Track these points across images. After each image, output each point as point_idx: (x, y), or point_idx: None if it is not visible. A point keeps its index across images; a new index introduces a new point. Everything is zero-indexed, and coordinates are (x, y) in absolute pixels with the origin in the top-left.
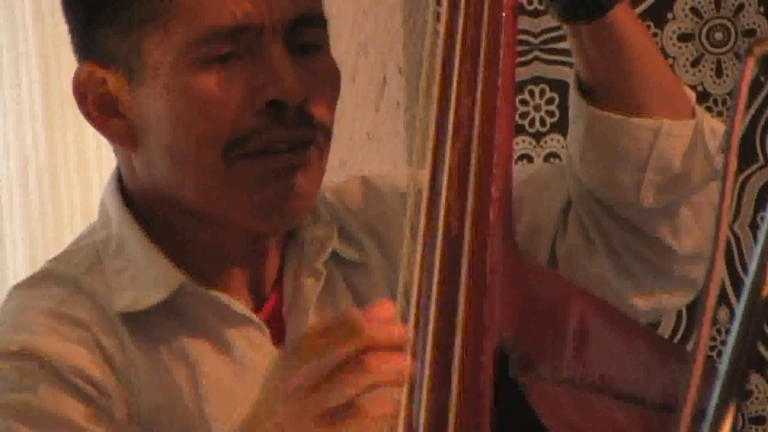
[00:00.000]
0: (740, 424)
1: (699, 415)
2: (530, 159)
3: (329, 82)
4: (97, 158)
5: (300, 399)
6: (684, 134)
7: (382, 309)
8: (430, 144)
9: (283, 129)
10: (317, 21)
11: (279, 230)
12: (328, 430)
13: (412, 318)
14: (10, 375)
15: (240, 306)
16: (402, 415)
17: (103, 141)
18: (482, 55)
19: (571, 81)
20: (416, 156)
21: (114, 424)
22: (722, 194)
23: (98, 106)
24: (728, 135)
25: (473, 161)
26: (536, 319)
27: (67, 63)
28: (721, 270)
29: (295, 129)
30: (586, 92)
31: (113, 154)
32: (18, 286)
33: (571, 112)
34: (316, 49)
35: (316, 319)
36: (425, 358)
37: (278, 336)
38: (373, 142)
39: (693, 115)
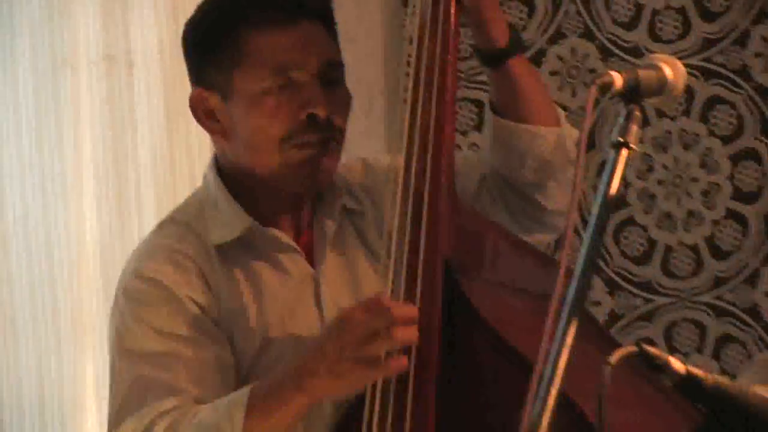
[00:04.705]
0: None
1: (563, 300)
2: (459, 148)
3: (345, 104)
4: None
5: (345, 351)
6: (553, 136)
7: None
8: (404, 139)
9: (316, 132)
10: (338, 64)
11: (311, 192)
12: (360, 371)
13: (393, 245)
14: (143, 294)
15: (287, 238)
16: None
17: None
18: (436, 82)
19: (487, 101)
20: (396, 146)
21: (205, 328)
22: (576, 173)
23: (204, 115)
24: (581, 132)
25: (430, 147)
26: (467, 241)
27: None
28: (575, 218)
29: (323, 132)
30: (495, 109)
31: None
32: (154, 228)
33: (486, 120)
34: (337, 82)
35: (332, 253)
36: (401, 270)
37: (310, 258)
38: (364, 139)
39: (559, 124)
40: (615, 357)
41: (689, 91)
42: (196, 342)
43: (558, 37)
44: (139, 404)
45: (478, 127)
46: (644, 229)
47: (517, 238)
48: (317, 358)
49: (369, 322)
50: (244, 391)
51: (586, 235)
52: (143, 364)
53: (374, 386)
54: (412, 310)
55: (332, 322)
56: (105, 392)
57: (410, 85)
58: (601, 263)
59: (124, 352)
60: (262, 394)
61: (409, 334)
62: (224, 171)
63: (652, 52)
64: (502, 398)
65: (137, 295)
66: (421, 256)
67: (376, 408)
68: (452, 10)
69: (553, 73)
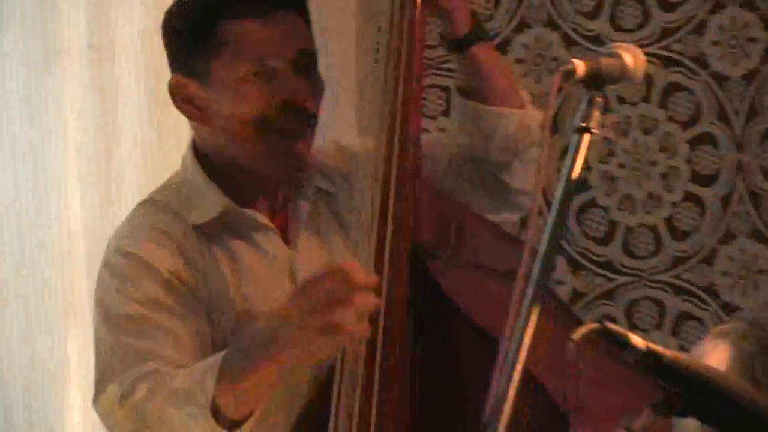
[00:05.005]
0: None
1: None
2: (428, 131)
3: (319, 90)
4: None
5: (308, 317)
6: (518, 117)
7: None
8: (374, 123)
9: (291, 117)
10: (312, 52)
11: (286, 174)
12: (323, 338)
13: (364, 225)
14: (124, 268)
15: (263, 218)
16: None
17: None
18: (404, 69)
19: (455, 86)
20: (366, 128)
21: (184, 300)
22: (541, 153)
23: (184, 101)
24: (545, 117)
25: (399, 131)
26: (434, 222)
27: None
28: (540, 198)
29: (298, 117)
30: (463, 92)
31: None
32: (134, 208)
33: (454, 104)
34: (311, 69)
35: (307, 232)
36: (370, 249)
37: (285, 237)
38: (336, 124)
39: (524, 106)
40: (578, 334)
41: (649, 78)
42: (176, 312)
43: (523, 26)
44: (122, 370)
45: (446, 113)
46: (606, 210)
47: (483, 218)
48: (282, 326)
49: (329, 289)
50: (217, 358)
51: (550, 217)
52: (125, 333)
53: (343, 360)
54: (372, 278)
55: (295, 289)
56: (88, 368)
57: (380, 71)
58: (565, 243)
59: (107, 322)
60: (234, 361)
61: (369, 300)
62: (202, 154)
63: (613, 40)
64: (470, 374)
65: (118, 269)
66: (390, 236)
67: (346, 382)
68: (418, 1)
69: (518, 61)
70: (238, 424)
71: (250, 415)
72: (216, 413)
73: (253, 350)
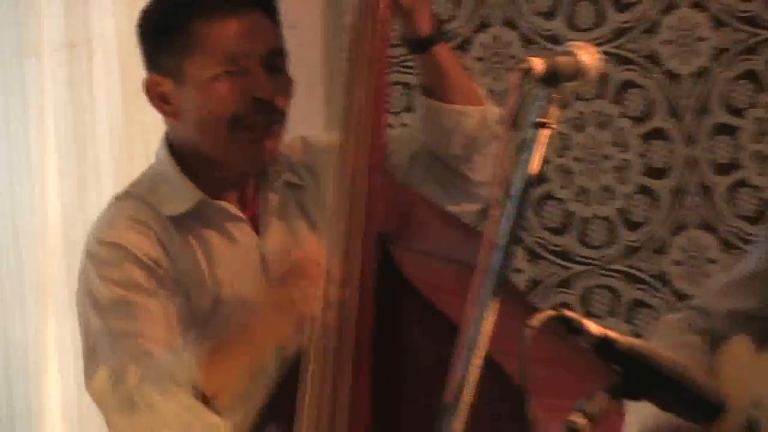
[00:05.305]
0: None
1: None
2: (391, 127)
3: (288, 88)
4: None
5: (282, 303)
6: (478, 114)
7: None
8: (340, 119)
9: (261, 114)
10: (281, 51)
11: (256, 170)
12: (293, 322)
13: (330, 218)
14: (106, 256)
15: (235, 209)
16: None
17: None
18: (371, 66)
19: (417, 84)
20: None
21: (164, 284)
22: (500, 147)
23: (158, 98)
24: (505, 114)
25: (365, 127)
26: (398, 213)
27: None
28: (499, 191)
29: (267, 114)
30: (424, 91)
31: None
32: (113, 200)
33: (416, 102)
34: (280, 68)
35: (276, 223)
36: (338, 240)
37: (255, 228)
38: (305, 121)
39: (483, 103)
40: (536, 320)
41: (603, 76)
42: (158, 296)
43: (483, 26)
44: (111, 351)
45: (409, 108)
46: (562, 202)
47: (445, 210)
48: (258, 313)
49: (305, 282)
50: (199, 341)
51: (509, 208)
52: (111, 317)
53: (311, 345)
54: (340, 270)
55: (273, 279)
56: (66, 353)
57: (345, 69)
58: (523, 234)
59: (93, 309)
60: (215, 341)
61: (338, 292)
62: (175, 149)
63: (569, 40)
64: (431, 359)
65: (101, 258)
66: (356, 227)
67: (316, 365)
68: (384, 2)
69: (478, 59)
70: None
71: (223, 390)
72: (201, 396)
73: (233, 335)
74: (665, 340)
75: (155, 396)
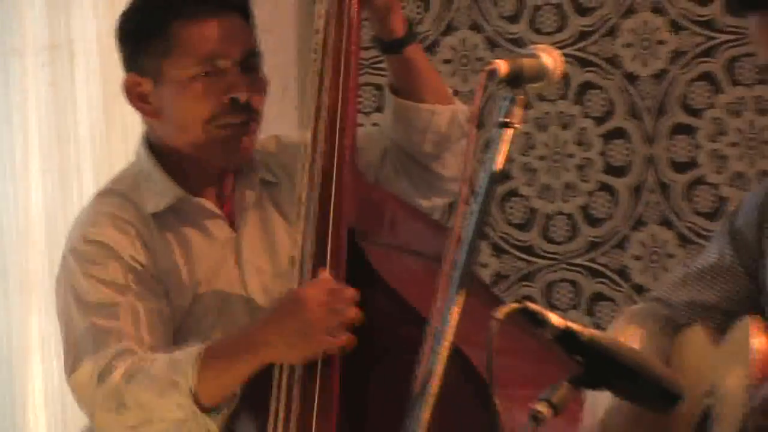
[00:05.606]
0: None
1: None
2: (362, 125)
3: (262, 88)
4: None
5: (305, 327)
6: (448, 112)
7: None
8: (312, 117)
9: (237, 113)
10: (256, 53)
11: (232, 167)
12: (317, 345)
13: (303, 213)
14: (89, 254)
15: (212, 206)
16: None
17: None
18: (341, 68)
19: (386, 84)
20: (305, 123)
21: (146, 283)
22: (467, 146)
23: (137, 98)
24: (472, 113)
25: (336, 126)
26: (368, 210)
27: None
28: (466, 190)
29: (243, 113)
30: (397, 91)
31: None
32: (94, 197)
33: (387, 102)
34: (255, 69)
35: (251, 219)
36: (311, 236)
37: (232, 224)
38: (279, 120)
39: (452, 101)
40: (501, 313)
41: (566, 78)
42: (141, 294)
43: (450, 29)
44: (95, 348)
45: (379, 109)
46: (526, 199)
47: (413, 207)
48: (275, 331)
49: (329, 304)
50: (200, 348)
51: (476, 205)
52: (95, 314)
53: None
54: (355, 292)
55: (288, 299)
56: (49, 345)
57: (317, 70)
58: (488, 229)
59: (77, 305)
60: (217, 353)
61: (357, 312)
62: (154, 147)
63: (533, 43)
64: (400, 350)
65: (85, 256)
66: (328, 224)
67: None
68: (355, 6)
69: (446, 62)
70: (213, 409)
71: (221, 401)
72: (195, 400)
73: (240, 347)
74: (625, 332)
75: (146, 394)
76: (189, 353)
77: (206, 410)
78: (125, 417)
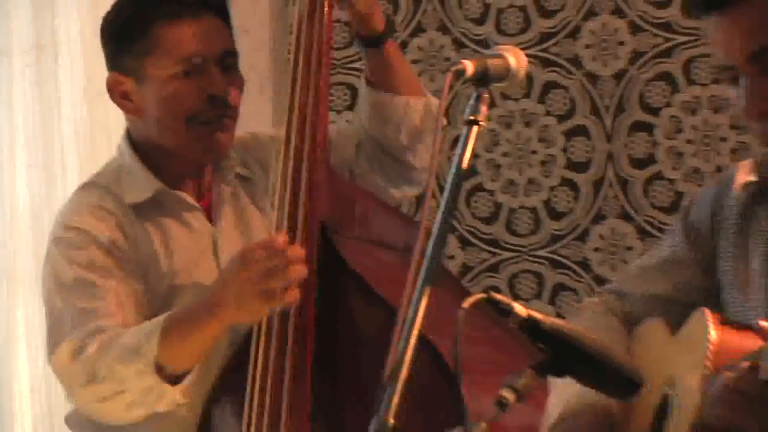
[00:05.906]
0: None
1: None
2: (334, 122)
3: (239, 86)
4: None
5: (247, 285)
6: (421, 105)
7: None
8: (286, 115)
9: (215, 110)
10: (234, 52)
11: (211, 161)
12: (262, 302)
13: (277, 206)
14: (71, 240)
15: (191, 199)
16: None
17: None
18: (314, 67)
19: (362, 78)
20: (280, 120)
21: (124, 266)
22: (435, 143)
23: (120, 96)
24: (438, 112)
25: (308, 123)
26: (340, 205)
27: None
28: (433, 182)
29: (221, 111)
30: (373, 84)
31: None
32: (77, 189)
33: (361, 95)
34: (233, 68)
35: (228, 212)
36: (283, 228)
37: (209, 217)
38: (255, 117)
39: (424, 94)
40: (467, 303)
41: (529, 77)
42: (119, 277)
43: (418, 30)
44: (72, 328)
45: (351, 107)
46: (491, 193)
47: (384, 202)
48: (224, 291)
49: (268, 260)
50: (163, 317)
51: (443, 199)
52: (74, 296)
53: (260, 325)
54: (301, 251)
55: (234, 258)
56: (34, 335)
57: (290, 69)
58: (455, 223)
59: (57, 288)
60: (178, 319)
61: (301, 270)
62: (136, 143)
63: (498, 43)
64: (370, 339)
65: (66, 241)
66: (300, 217)
67: (262, 345)
68: (326, 7)
69: (414, 62)
70: (179, 378)
71: (190, 370)
72: (159, 369)
73: (197, 311)
74: (586, 322)
75: (115, 364)
76: (155, 321)
77: (169, 378)
78: (99, 388)
